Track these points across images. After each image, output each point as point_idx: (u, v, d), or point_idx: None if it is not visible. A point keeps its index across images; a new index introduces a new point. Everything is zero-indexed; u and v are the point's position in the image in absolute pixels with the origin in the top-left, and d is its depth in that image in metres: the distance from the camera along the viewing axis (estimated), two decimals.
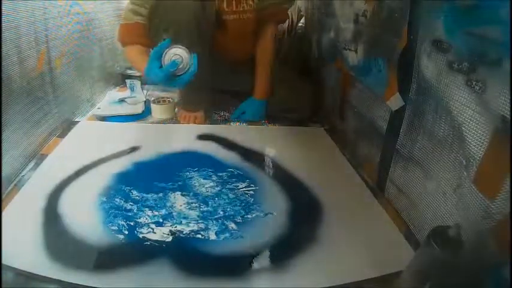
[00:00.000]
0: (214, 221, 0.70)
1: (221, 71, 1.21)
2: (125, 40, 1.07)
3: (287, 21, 1.52)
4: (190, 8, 1.00)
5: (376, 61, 0.80)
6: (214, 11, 1.08)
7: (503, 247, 0.45)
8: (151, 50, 0.88)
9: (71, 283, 0.54)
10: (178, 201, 0.76)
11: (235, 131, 1.15)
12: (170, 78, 0.86)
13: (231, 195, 0.79)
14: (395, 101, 0.73)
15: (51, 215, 0.69)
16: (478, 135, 0.50)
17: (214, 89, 1.26)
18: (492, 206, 0.47)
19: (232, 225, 0.69)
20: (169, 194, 0.78)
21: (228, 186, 0.82)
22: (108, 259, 0.60)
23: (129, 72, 1.61)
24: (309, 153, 1.02)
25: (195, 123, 1.18)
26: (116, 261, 0.59)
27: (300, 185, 0.85)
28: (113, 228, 0.66)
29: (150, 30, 1.03)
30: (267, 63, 1.19)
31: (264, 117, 1.23)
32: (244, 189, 0.82)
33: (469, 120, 0.52)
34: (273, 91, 1.21)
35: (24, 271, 0.55)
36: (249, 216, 0.73)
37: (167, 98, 1.28)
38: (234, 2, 1.09)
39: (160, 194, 0.77)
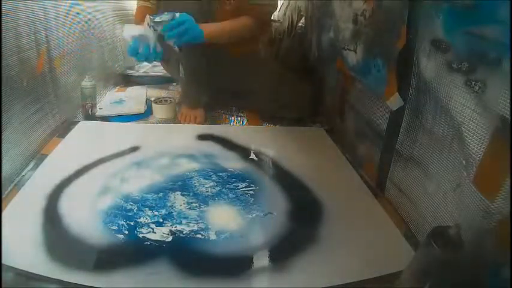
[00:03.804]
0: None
1: (222, 70, 1.21)
2: (136, 20, 1.19)
3: (287, 21, 1.52)
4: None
5: (375, 61, 0.80)
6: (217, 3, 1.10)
7: (503, 247, 0.45)
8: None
9: (71, 283, 0.54)
10: (178, 201, 0.76)
11: (235, 131, 1.15)
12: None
13: (231, 195, 0.79)
14: (394, 101, 0.73)
15: (51, 215, 0.69)
16: (478, 135, 0.50)
17: (214, 88, 1.27)
18: (492, 206, 0.47)
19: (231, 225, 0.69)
20: (169, 194, 0.78)
21: (228, 186, 0.82)
22: (108, 259, 0.60)
23: (129, 72, 1.61)
24: (309, 153, 1.02)
25: (195, 123, 1.18)
26: (116, 261, 0.59)
27: (300, 185, 0.85)
28: (113, 228, 0.66)
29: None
30: (227, 23, 1.11)
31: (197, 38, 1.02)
32: (244, 189, 0.82)
33: (468, 120, 0.52)
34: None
35: (24, 271, 0.55)
36: (249, 216, 0.73)
37: (168, 97, 1.28)
38: None
39: (160, 194, 0.77)
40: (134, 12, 1.24)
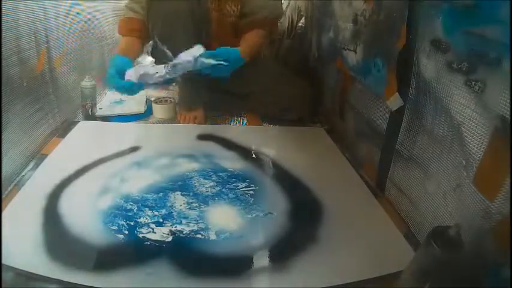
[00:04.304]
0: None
1: None
2: (120, 32, 1.12)
3: (287, 21, 1.52)
4: (185, 5, 1.03)
5: (375, 61, 0.80)
6: (207, 8, 1.11)
7: (503, 247, 0.45)
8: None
9: (71, 283, 0.54)
10: (178, 201, 0.76)
11: (235, 131, 1.15)
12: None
13: (231, 195, 0.79)
14: (394, 101, 0.73)
15: (51, 215, 0.69)
16: (478, 135, 0.50)
17: (214, 89, 1.26)
18: (492, 206, 0.47)
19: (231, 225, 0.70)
20: (169, 194, 0.78)
21: (228, 186, 0.82)
22: (108, 259, 0.60)
23: None
24: (309, 153, 1.02)
25: (194, 123, 1.18)
26: (116, 261, 0.59)
27: (299, 185, 0.85)
28: (113, 228, 0.66)
29: (148, 26, 1.09)
30: (254, 41, 1.13)
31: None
32: (244, 189, 0.82)
33: (468, 120, 0.52)
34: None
35: (24, 271, 0.55)
36: (249, 216, 0.73)
37: (168, 98, 1.28)
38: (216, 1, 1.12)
39: (160, 194, 0.77)
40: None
